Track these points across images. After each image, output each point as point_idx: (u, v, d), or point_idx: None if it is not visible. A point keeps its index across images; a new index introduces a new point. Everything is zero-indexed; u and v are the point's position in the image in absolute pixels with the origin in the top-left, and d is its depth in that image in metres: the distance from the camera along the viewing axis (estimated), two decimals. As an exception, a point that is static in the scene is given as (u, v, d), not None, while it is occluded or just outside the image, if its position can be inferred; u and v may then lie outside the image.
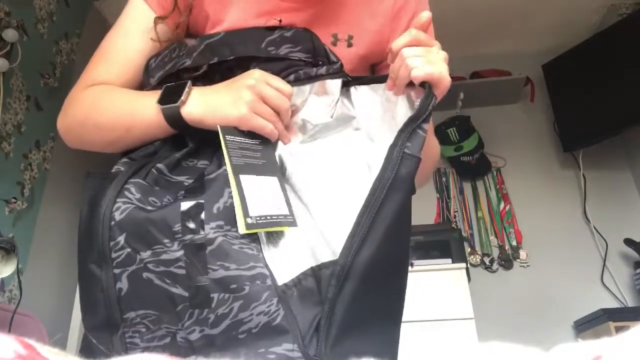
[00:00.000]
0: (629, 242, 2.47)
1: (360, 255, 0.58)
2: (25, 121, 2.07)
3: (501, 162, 2.93)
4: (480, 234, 2.79)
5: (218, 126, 0.64)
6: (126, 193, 0.60)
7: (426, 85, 0.65)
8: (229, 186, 0.59)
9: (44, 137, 2.21)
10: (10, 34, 1.92)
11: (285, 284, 0.58)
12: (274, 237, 0.61)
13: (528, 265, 2.67)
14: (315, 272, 0.60)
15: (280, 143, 0.69)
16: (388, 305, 0.65)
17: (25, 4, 2.11)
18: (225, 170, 0.61)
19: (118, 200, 0.60)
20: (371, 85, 0.72)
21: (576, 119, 2.71)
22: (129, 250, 0.58)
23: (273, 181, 0.63)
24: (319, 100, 0.70)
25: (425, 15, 0.69)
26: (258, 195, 0.60)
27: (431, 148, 0.82)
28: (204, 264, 0.56)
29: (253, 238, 0.59)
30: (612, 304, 2.49)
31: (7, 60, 1.91)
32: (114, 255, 0.58)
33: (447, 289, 2.18)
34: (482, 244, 2.76)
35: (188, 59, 0.71)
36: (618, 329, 2.11)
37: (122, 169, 0.66)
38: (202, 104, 0.66)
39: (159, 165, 0.65)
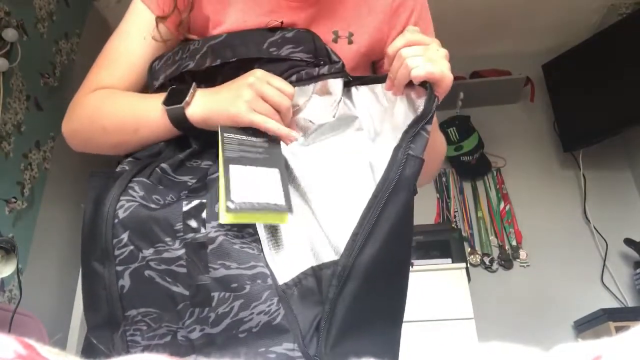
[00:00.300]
0: (629, 242, 2.47)
1: (362, 256, 0.58)
2: (25, 121, 2.07)
3: (501, 162, 2.93)
4: (480, 233, 2.79)
5: (219, 126, 0.64)
6: (130, 191, 0.61)
7: (427, 86, 0.64)
8: None
9: (44, 137, 2.21)
10: (10, 34, 1.92)
11: (285, 284, 0.58)
12: (274, 237, 0.61)
13: (528, 265, 2.67)
14: (316, 271, 0.60)
15: (283, 144, 0.69)
16: (389, 306, 0.65)
17: (25, 3, 2.11)
18: None
19: (122, 198, 0.60)
20: (371, 85, 0.72)
21: (576, 119, 2.71)
22: (132, 247, 0.58)
23: (273, 172, 0.62)
24: (321, 100, 0.71)
25: (412, 29, 0.70)
26: (249, 184, 0.59)
27: (437, 146, 0.82)
28: (205, 262, 0.56)
29: (254, 238, 0.59)
30: (612, 304, 2.49)
31: (7, 59, 1.91)
32: (117, 252, 0.59)
33: (447, 289, 2.18)
34: (482, 243, 2.76)
35: (191, 61, 0.71)
36: (618, 329, 2.11)
37: (127, 167, 0.67)
38: (205, 105, 0.67)
39: (163, 165, 0.66)
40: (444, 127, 2.80)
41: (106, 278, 0.59)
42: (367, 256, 0.58)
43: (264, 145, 0.65)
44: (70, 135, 0.78)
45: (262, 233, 0.60)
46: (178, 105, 0.66)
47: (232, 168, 0.59)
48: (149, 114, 0.69)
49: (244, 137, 0.65)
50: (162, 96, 0.69)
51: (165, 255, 0.58)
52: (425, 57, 0.65)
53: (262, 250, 0.59)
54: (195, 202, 0.59)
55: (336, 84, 0.71)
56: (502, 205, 2.83)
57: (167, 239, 0.58)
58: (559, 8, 2.79)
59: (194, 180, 0.65)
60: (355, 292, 0.57)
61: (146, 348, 0.58)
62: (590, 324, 2.29)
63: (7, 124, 1.96)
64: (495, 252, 2.73)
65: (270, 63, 0.71)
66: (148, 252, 0.58)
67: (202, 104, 0.67)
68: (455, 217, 2.85)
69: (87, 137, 0.76)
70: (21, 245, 1.80)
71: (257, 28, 0.74)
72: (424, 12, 0.83)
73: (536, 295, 2.56)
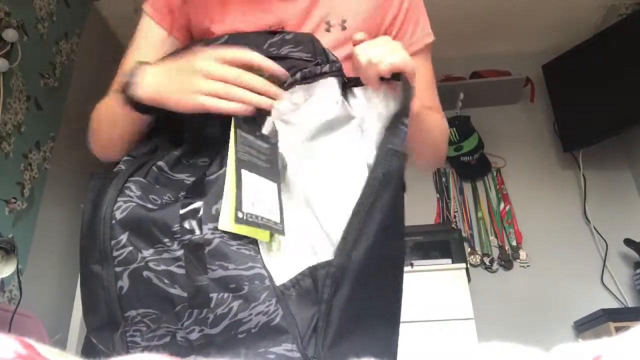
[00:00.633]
0: (629, 242, 2.47)
1: (354, 255, 0.58)
2: (25, 121, 2.07)
3: (501, 162, 2.93)
4: (480, 234, 2.79)
5: (233, 118, 0.64)
6: (127, 192, 0.61)
7: (401, 79, 0.66)
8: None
9: (44, 137, 2.21)
10: (10, 34, 1.92)
11: (283, 284, 0.58)
12: (271, 238, 0.61)
13: (528, 266, 2.67)
14: (312, 272, 0.60)
15: (282, 141, 0.69)
16: (385, 305, 0.65)
17: (25, 4, 2.11)
18: (226, 171, 0.61)
19: (119, 199, 0.61)
20: (364, 86, 0.73)
21: (576, 119, 2.71)
22: (130, 248, 0.58)
23: (272, 187, 0.63)
24: (322, 99, 0.71)
25: (359, 35, 0.72)
26: (255, 194, 0.59)
27: (431, 129, 0.81)
28: (203, 263, 0.57)
29: (250, 239, 0.59)
30: (612, 304, 2.49)
31: (7, 60, 1.91)
32: (115, 253, 0.59)
33: (447, 289, 2.18)
34: (482, 244, 2.76)
35: None
36: (618, 329, 2.11)
37: (123, 167, 0.67)
38: (156, 87, 0.66)
39: (160, 163, 0.66)
40: (444, 127, 2.80)
41: (105, 279, 0.59)
42: (359, 254, 0.58)
43: (267, 152, 0.65)
44: (93, 148, 0.81)
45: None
46: (127, 89, 0.67)
47: (245, 174, 0.59)
48: (116, 103, 0.70)
49: (254, 140, 0.65)
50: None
51: (165, 255, 0.58)
52: (382, 50, 0.67)
53: (258, 252, 0.59)
54: (193, 204, 0.59)
55: (336, 83, 0.71)
56: (502, 205, 2.83)
57: (166, 240, 0.58)
58: (559, 8, 2.79)
59: (191, 179, 0.65)
60: (350, 292, 0.57)
61: (146, 349, 0.58)
62: (590, 324, 2.29)
63: (7, 124, 1.96)
64: (495, 253, 2.73)
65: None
66: (148, 253, 0.58)
67: (153, 85, 0.66)
68: (455, 217, 2.85)
69: (97, 145, 0.79)
70: (21, 246, 1.80)
71: (258, 31, 0.75)
72: None
73: (536, 296, 2.56)
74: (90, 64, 2.58)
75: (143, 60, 0.78)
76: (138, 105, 0.67)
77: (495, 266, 2.69)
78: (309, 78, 0.71)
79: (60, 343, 2.12)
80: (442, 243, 2.39)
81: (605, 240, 2.62)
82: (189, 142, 0.69)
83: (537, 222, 2.74)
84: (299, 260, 0.61)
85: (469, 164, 2.86)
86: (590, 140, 2.68)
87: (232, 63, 0.65)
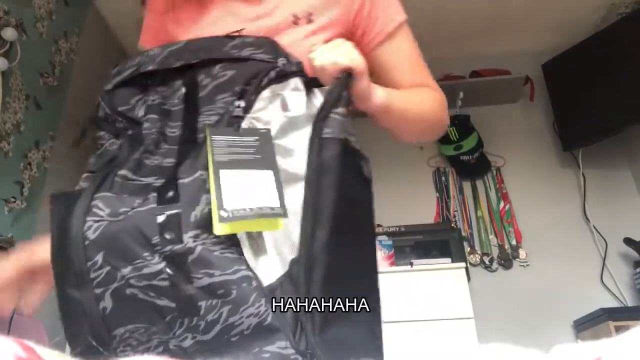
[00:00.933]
0: (628, 241, 2.47)
1: (316, 243, 0.59)
2: (25, 120, 2.06)
3: (501, 161, 2.92)
4: (480, 233, 2.79)
5: (206, 127, 0.64)
6: (95, 210, 0.60)
7: (342, 75, 0.69)
8: (205, 192, 0.58)
9: (44, 136, 2.20)
10: (10, 33, 1.92)
11: (270, 285, 0.58)
12: (254, 239, 0.61)
13: (528, 265, 2.67)
14: (292, 267, 0.60)
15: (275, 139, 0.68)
16: (363, 284, 0.65)
17: (24, 2, 2.11)
18: (201, 174, 0.60)
19: (88, 219, 0.59)
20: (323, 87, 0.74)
21: (576, 119, 2.71)
22: (108, 268, 0.57)
23: (266, 174, 0.62)
24: (288, 98, 0.71)
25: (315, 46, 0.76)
26: (240, 188, 0.58)
27: (419, 106, 0.87)
28: (187, 273, 0.56)
29: (232, 242, 0.58)
30: (612, 303, 2.49)
31: (6, 59, 1.90)
32: (93, 275, 0.58)
33: (446, 289, 2.18)
34: (482, 243, 2.76)
35: (151, 64, 0.71)
36: (618, 329, 2.11)
37: (84, 185, 0.66)
38: None
39: (122, 172, 0.65)
40: (444, 126, 2.80)
41: (84, 303, 0.58)
42: (320, 242, 0.59)
43: (255, 145, 0.64)
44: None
45: (241, 235, 0.59)
46: None
47: (223, 173, 0.58)
48: None
49: (234, 138, 0.63)
50: None
51: (145, 270, 0.57)
52: (329, 52, 0.71)
53: (242, 254, 0.58)
54: (169, 212, 0.58)
55: (301, 84, 0.72)
56: (501, 204, 2.83)
57: (146, 254, 0.57)
58: (558, 7, 2.79)
59: (160, 181, 0.63)
60: (322, 279, 0.58)
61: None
62: (590, 324, 2.29)
63: (6, 124, 1.96)
64: (495, 252, 2.73)
65: (234, 63, 0.70)
66: (126, 270, 0.57)
67: None
68: (454, 216, 2.85)
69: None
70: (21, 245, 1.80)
71: (217, 35, 0.74)
72: None
73: (536, 295, 2.56)
74: (90, 63, 2.57)
75: None
76: None
77: (494, 265, 2.69)
78: (282, 77, 0.71)
79: (60, 345, 2.11)
80: (442, 242, 2.39)
81: (605, 240, 2.62)
82: (149, 141, 0.68)
83: (537, 221, 2.74)
84: (283, 258, 0.61)
85: (468, 163, 2.86)
86: (590, 139, 2.68)
87: None
